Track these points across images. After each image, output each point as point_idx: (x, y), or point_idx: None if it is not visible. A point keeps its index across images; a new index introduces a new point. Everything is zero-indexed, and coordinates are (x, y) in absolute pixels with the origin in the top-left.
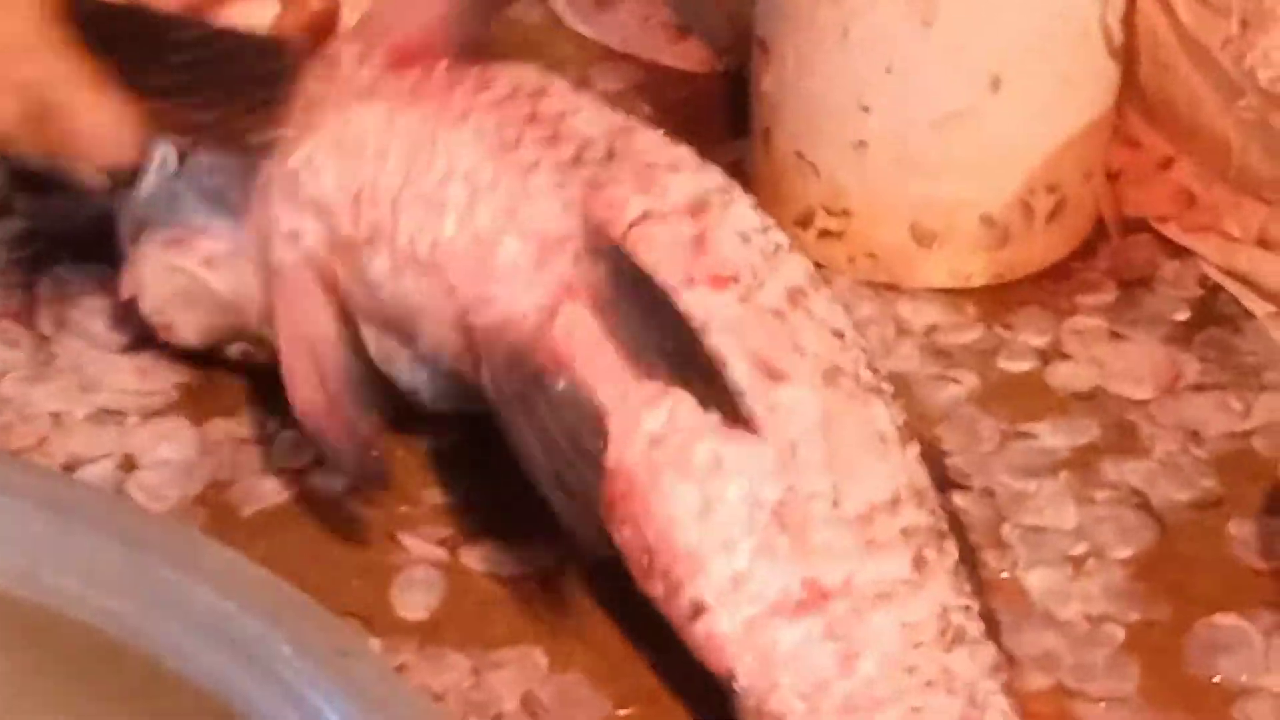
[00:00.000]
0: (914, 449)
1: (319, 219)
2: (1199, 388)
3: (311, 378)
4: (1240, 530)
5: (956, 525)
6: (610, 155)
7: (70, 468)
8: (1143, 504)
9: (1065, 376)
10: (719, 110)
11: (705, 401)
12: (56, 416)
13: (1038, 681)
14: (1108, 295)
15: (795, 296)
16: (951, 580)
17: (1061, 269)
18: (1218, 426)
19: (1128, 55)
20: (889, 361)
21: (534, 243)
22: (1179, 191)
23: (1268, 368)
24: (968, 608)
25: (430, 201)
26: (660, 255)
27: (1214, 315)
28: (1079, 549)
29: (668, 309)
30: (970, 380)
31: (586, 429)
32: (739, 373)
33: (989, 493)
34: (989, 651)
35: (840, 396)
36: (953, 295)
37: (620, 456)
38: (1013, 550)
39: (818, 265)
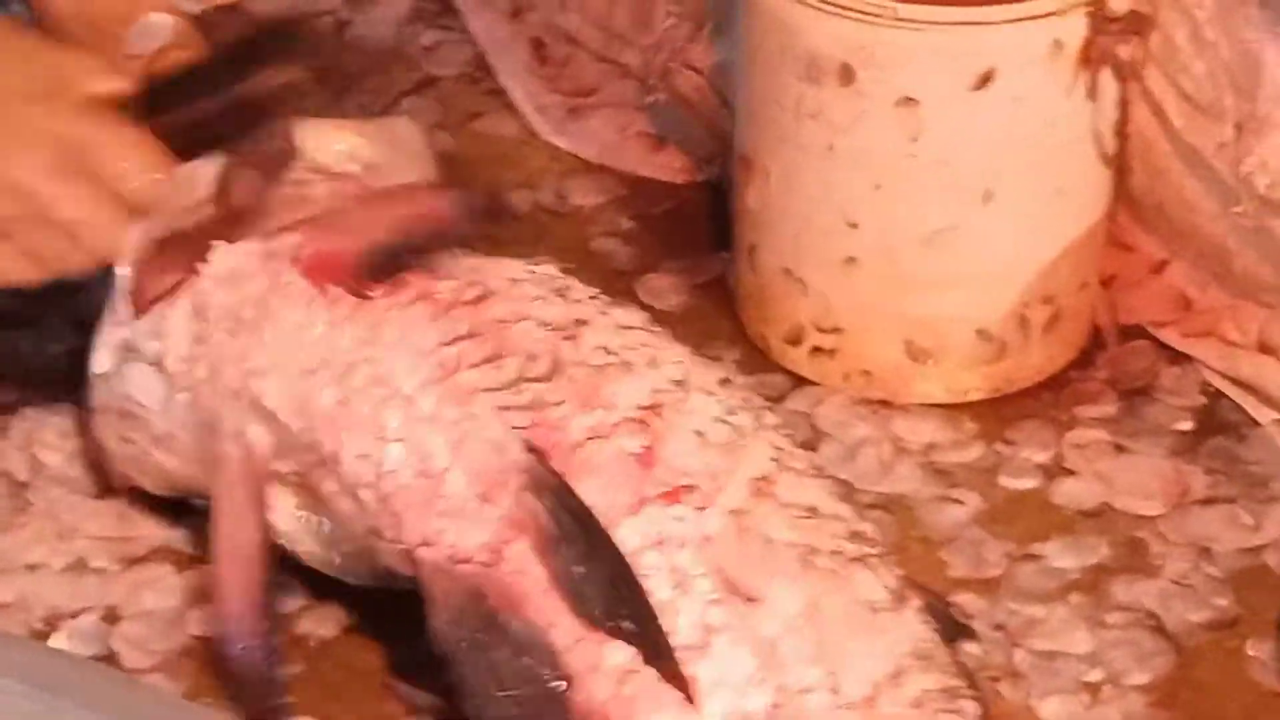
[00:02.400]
0: (913, 605)
1: (264, 424)
2: (1208, 501)
3: (236, 587)
4: (1259, 650)
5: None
6: (554, 370)
7: (51, 622)
8: (1157, 626)
9: (1070, 493)
10: (701, 222)
11: (646, 657)
12: (33, 569)
13: None
14: (1109, 406)
15: (760, 487)
16: None
17: (1060, 380)
18: (1229, 542)
19: (1119, 161)
20: (887, 482)
21: (478, 478)
22: (1175, 296)
23: (1275, 477)
24: None
25: (371, 427)
26: (605, 479)
27: (1218, 424)
28: (1094, 675)
29: (607, 552)
30: (973, 500)
31: (547, 671)
32: (703, 592)
33: (1000, 619)
34: None
35: (819, 579)
36: (950, 411)
37: (589, 697)
38: (1026, 679)
39: (810, 383)
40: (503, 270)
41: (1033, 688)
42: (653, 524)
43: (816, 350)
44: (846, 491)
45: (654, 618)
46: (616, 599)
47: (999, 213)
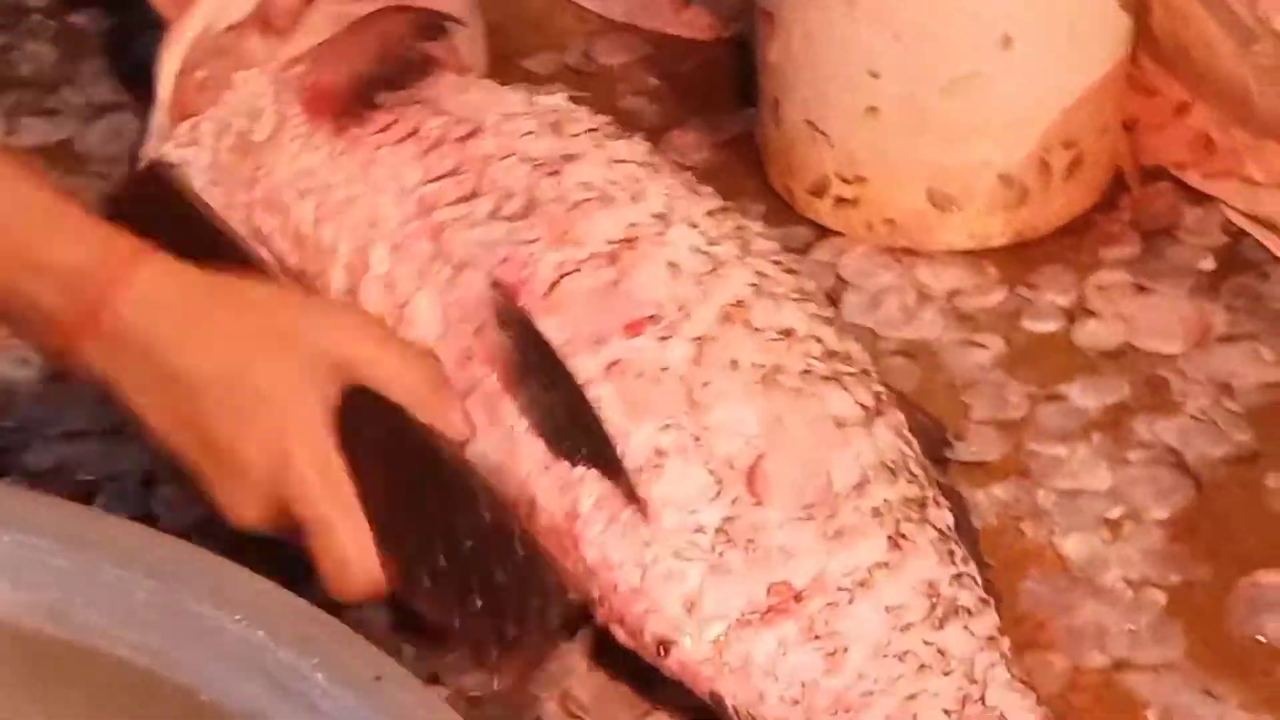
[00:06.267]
0: (889, 421)
1: (268, 249)
2: (1229, 339)
3: None
4: (1278, 483)
5: (953, 496)
6: (529, 207)
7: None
8: (1178, 462)
9: (1092, 335)
10: (727, 78)
11: (607, 477)
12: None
13: (1083, 653)
14: (1131, 248)
15: (731, 313)
16: (937, 550)
17: (1082, 224)
18: (1250, 378)
19: (1139, 4)
20: (911, 329)
21: (447, 311)
22: (1197, 137)
23: None
24: (959, 576)
25: (356, 262)
26: (571, 314)
27: (1240, 262)
28: (1115, 512)
29: (566, 384)
30: (996, 344)
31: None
32: (658, 416)
33: (1024, 460)
34: (987, 619)
35: (784, 396)
36: (973, 257)
37: (550, 518)
38: (1049, 517)
39: (835, 234)
40: (502, 103)
41: (1055, 525)
42: (612, 354)
43: (840, 201)
44: (832, 316)
45: (609, 444)
46: (576, 428)
47: (1018, 58)
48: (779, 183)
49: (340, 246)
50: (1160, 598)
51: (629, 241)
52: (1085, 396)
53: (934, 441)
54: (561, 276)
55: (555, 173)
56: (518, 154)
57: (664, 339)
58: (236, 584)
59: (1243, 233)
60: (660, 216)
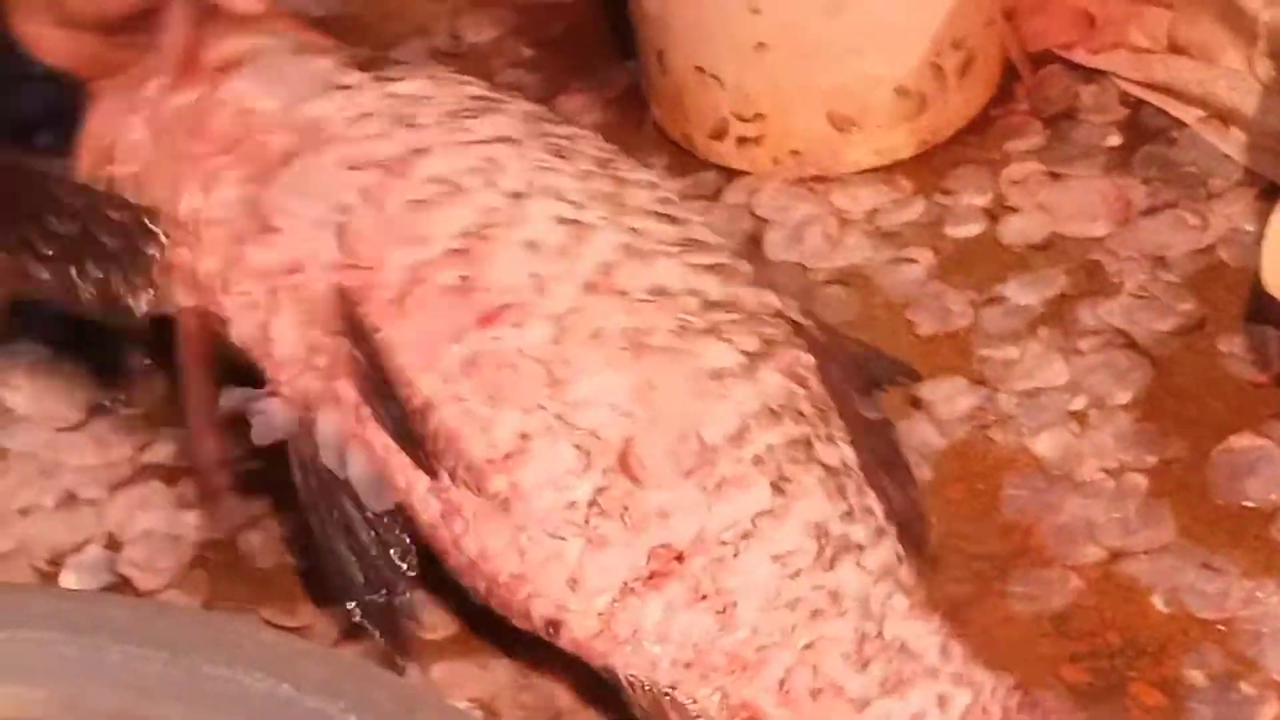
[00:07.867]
0: (779, 362)
1: None
2: (1151, 211)
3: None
4: (1230, 346)
5: (877, 427)
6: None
7: (55, 561)
8: (1129, 343)
9: (1018, 230)
10: (602, 34)
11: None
12: (25, 512)
13: (1077, 550)
14: (1036, 137)
15: (596, 282)
16: (825, 488)
17: (984, 121)
18: (1180, 246)
19: None
20: (838, 256)
21: (304, 333)
22: (1077, 14)
23: (1211, 174)
24: (849, 512)
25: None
26: (423, 319)
27: (1145, 132)
28: (1079, 403)
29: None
30: (925, 257)
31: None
32: (518, 400)
33: (978, 368)
34: (884, 550)
35: (654, 359)
36: (885, 173)
37: (432, 520)
38: (1015, 420)
39: (743, 174)
40: (348, 107)
41: (1023, 427)
42: (468, 349)
43: (743, 140)
44: (724, 263)
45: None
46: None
47: None
48: (677, 132)
49: None
50: (1142, 481)
51: (482, 230)
52: (1024, 293)
53: (877, 371)
54: (409, 282)
55: (400, 174)
56: (360, 164)
57: (518, 325)
58: (248, 640)
59: (1141, 102)
60: (517, 195)
